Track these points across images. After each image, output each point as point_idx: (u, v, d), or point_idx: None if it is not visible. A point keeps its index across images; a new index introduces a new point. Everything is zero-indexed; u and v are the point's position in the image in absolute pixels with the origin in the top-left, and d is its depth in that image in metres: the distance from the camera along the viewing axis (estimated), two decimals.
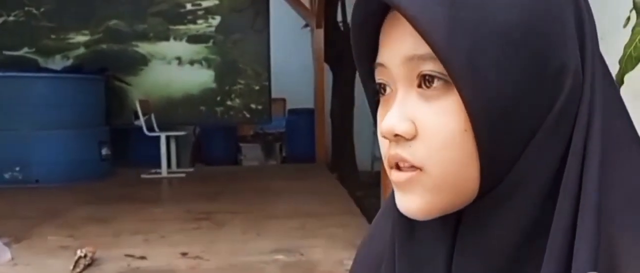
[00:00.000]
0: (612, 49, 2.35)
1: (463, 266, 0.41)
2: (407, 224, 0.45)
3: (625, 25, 1.09)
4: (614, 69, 1.02)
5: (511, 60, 0.37)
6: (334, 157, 6.99)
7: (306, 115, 7.21)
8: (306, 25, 7.15)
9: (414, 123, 0.39)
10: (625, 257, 0.37)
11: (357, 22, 0.43)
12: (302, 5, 6.82)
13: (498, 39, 0.37)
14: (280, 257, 2.85)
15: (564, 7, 0.39)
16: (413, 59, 0.39)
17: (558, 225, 0.37)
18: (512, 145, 0.38)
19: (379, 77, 0.43)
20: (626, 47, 0.96)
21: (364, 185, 6.31)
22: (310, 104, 7.10)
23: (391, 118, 0.40)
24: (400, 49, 0.40)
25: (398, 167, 0.41)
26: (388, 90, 0.42)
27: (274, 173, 6.25)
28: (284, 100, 8.08)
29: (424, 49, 0.38)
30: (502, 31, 0.37)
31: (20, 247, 3.08)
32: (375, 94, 0.44)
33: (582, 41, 0.40)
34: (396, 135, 0.40)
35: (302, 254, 2.88)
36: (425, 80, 0.39)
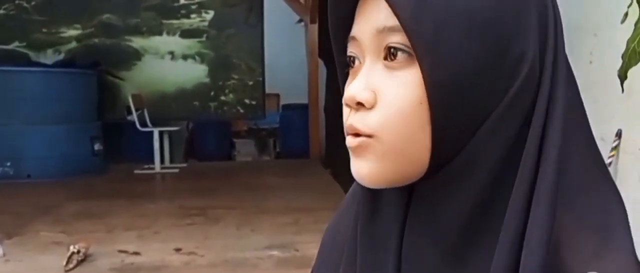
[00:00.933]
0: (607, 44, 2.34)
1: (413, 244, 0.43)
2: (369, 203, 0.47)
3: (623, 21, 1.09)
4: (615, 64, 1.02)
5: (472, 41, 0.39)
6: (327, 152, 6.99)
7: (300, 111, 7.19)
8: (300, 21, 7.13)
9: (375, 93, 0.41)
10: (569, 244, 0.39)
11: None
12: (296, 0, 6.79)
13: (461, 20, 0.39)
14: (274, 252, 2.85)
15: (528, 0, 0.42)
16: (383, 31, 0.41)
17: (513, 208, 0.38)
18: (464, 123, 0.40)
19: (350, 50, 0.45)
20: (629, 41, 0.96)
21: None
22: (304, 99, 7.08)
23: (354, 86, 0.42)
24: (373, 21, 0.42)
25: (354, 135, 0.43)
26: (357, 62, 0.44)
27: (268, 169, 6.24)
28: (277, 95, 8.06)
29: (394, 21, 0.40)
30: (466, 13, 0.39)
31: (12, 243, 3.06)
32: (346, 67, 0.46)
33: (544, 33, 0.41)
34: (358, 103, 0.42)
35: (296, 250, 2.88)
36: (390, 53, 0.41)
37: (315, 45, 6.58)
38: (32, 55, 6.67)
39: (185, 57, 7.00)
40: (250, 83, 7.14)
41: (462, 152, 0.41)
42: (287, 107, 7.72)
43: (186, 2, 6.97)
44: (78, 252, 2.65)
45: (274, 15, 7.22)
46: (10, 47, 6.67)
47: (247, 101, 7.18)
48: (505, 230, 0.39)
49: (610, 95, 2.14)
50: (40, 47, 6.71)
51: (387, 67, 0.42)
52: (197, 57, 7.03)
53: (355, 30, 0.44)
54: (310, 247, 2.91)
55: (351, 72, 0.45)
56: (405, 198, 0.44)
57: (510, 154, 0.40)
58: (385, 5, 0.40)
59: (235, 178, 5.39)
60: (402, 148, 0.41)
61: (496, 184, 0.40)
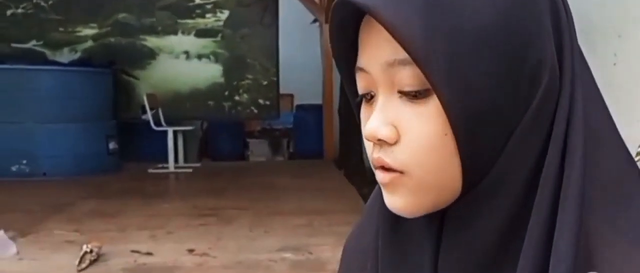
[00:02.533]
0: (632, 45, 2.27)
1: (449, 263, 0.42)
2: (392, 220, 0.46)
3: None
4: (637, 65, 0.97)
5: (488, 61, 0.38)
6: (341, 153, 6.94)
7: (314, 111, 7.16)
8: (315, 21, 7.09)
9: (395, 127, 0.40)
10: (601, 251, 0.37)
11: (335, 24, 0.43)
12: (311, 0, 6.76)
13: (474, 42, 0.37)
14: (288, 255, 2.81)
15: (539, 3, 0.40)
16: (394, 64, 0.40)
17: (537, 218, 0.38)
18: (492, 144, 0.39)
19: (360, 81, 0.43)
20: None
21: (372, 182, 6.25)
22: (318, 100, 7.05)
23: (373, 122, 0.41)
24: (380, 54, 0.40)
25: (382, 168, 0.42)
26: (370, 94, 0.43)
27: (281, 170, 6.22)
28: (291, 95, 8.04)
29: (403, 53, 0.38)
30: (477, 34, 0.37)
31: (26, 241, 3.06)
32: (357, 95, 0.45)
33: (559, 36, 0.40)
34: (379, 139, 0.40)
35: (310, 253, 2.84)
36: (406, 92, 0.40)
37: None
38: (49, 54, 6.73)
39: (199, 57, 7.01)
40: (265, 83, 7.13)
41: (492, 171, 0.40)
42: (301, 107, 7.70)
43: (201, 1, 6.98)
44: (91, 251, 2.65)
45: (289, 15, 7.20)
46: (28, 45, 6.74)
47: (261, 101, 7.17)
48: (529, 238, 0.38)
49: (635, 97, 2.08)
50: (57, 46, 6.77)
51: (403, 99, 0.40)
52: (211, 57, 7.04)
53: (363, 62, 0.42)
54: (324, 249, 2.87)
55: (364, 101, 0.44)
56: (438, 219, 0.43)
57: (539, 164, 0.39)
58: (390, 37, 0.38)
59: (249, 179, 5.38)
60: (434, 181, 0.40)
61: (527, 197, 0.39)
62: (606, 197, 0.39)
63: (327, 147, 6.74)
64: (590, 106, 0.40)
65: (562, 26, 0.40)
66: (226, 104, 7.11)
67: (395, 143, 0.40)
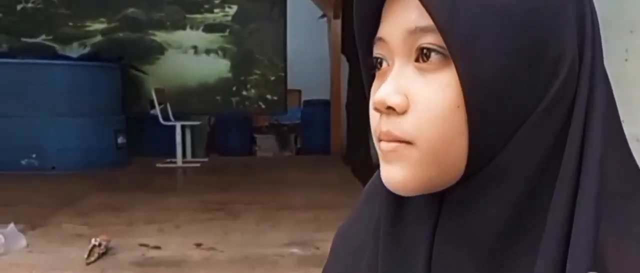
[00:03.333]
0: None
1: (444, 251, 0.41)
2: (394, 207, 0.45)
3: None
4: None
5: (510, 41, 0.37)
6: (349, 149, 6.94)
7: (322, 107, 7.16)
8: (323, 16, 7.08)
9: (406, 97, 0.39)
10: (613, 253, 0.37)
11: None
12: None
13: (498, 19, 0.37)
14: (295, 250, 2.82)
15: None
16: (415, 32, 0.39)
17: (555, 216, 0.37)
18: (502, 126, 0.39)
19: (377, 52, 0.43)
20: None
21: None
22: (326, 95, 7.04)
23: (385, 89, 0.40)
24: (403, 21, 0.40)
25: (386, 140, 0.41)
26: (384, 64, 0.43)
27: (289, 165, 6.23)
28: (299, 91, 8.04)
29: (427, 21, 0.38)
30: (503, 11, 0.37)
31: (35, 234, 3.09)
32: (372, 69, 0.44)
33: (582, 32, 0.40)
34: (388, 107, 0.40)
35: (317, 247, 2.84)
36: (423, 54, 0.39)
37: (338, 40, 6.53)
38: (59, 48, 6.77)
39: (208, 52, 7.03)
40: (272, 78, 7.13)
41: (498, 156, 0.39)
42: (308, 102, 7.70)
43: None
44: (99, 245, 2.66)
45: (297, 10, 7.19)
46: (38, 40, 6.78)
47: (268, 96, 7.18)
48: (546, 240, 0.37)
49: None
50: (66, 40, 6.81)
51: (418, 69, 0.40)
52: (219, 52, 7.05)
53: (383, 31, 0.42)
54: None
55: (378, 74, 0.43)
56: (436, 204, 0.42)
57: (549, 158, 0.39)
58: (416, 5, 0.39)
59: (256, 174, 5.38)
60: (438, 154, 0.39)
61: (534, 190, 0.39)
62: (619, 198, 0.39)
63: (334, 143, 6.74)
64: (607, 105, 0.40)
65: (586, 23, 0.40)
66: (234, 99, 7.12)
67: (404, 113, 0.39)
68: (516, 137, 0.39)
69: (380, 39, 0.42)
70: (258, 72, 7.12)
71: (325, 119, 6.93)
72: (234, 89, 7.11)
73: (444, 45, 0.38)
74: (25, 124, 5.32)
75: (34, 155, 5.34)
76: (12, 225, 2.92)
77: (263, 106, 7.23)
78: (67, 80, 5.56)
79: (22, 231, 2.96)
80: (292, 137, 7.87)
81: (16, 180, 4.75)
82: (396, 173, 0.41)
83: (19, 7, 6.75)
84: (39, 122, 5.36)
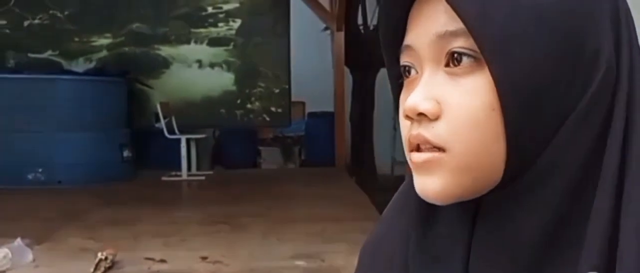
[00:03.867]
0: None
1: (482, 260, 0.40)
2: (425, 215, 0.44)
3: None
4: None
5: (544, 39, 0.36)
6: (353, 160, 6.94)
7: (326, 119, 7.17)
8: (326, 28, 7.12)
9: (438, 103, 0.38)
10: None
11: (388, 2, 0.43)
12: (323, 8, 6.79)
13: (532, 16, 0.36)
14: (301, 262, 2.81)
15: None
16: (444, 36, 0.38)
17: (598, 220, 0.36)
18: (540, 129, 0.37)
19: (405, 60, 0.42)
20: None
21: (384, 189, 6.23)
22: (330, 107, 7.06)
23: (415, 96, 0.39)
24: (431, 26, 0.39)
25: (419, 149, 0.40)
26: (413, 72, 0.42)
27: (293, 177, 6.23)
28: (303, 103, 8.06)
29: (456, 24, 0.37)
30: (535, 8, 0.36)
31: (41, 248, 3.10)
32: (399, 77, 0.43)
33: (617, 27, 0.39)
34: (419, 114, 0.39)
35: (323, 260, 2.84)
36: (453, 59, 0.38)
37: (342, 53, 6.56)
38: (65, 63, 6.83)
39: (212, 66, 7.07)
40: (276, 91, 7.16)
41: (537, 161, 0.37)
42: (312, 115, 7.71)
43: (214, 10, 7.04)
44: (106, 259, 2.67)
45: (301, 24, 7.24)
46: (44, 55, 6.85)
47: (273, 109, 7.20)
48: (589, 245, 0.36)
49: None
50: (72, 55, 6.87)
51: (449, 74, 0.39)
52: (224, 65, 7.09)
53: (411, 39, 0.41)
54: (337, 257, 2.87)
55: (406, 83, 0.42)
56: (471, 212, 0.41)
57: (590, 160, 0.37)
58: (444, 9, 0.38)
59: (261, 186, 5.39)
60: (475, 160, 0.38)
61: (575, 194, 0.37)
62: None
63: (338, 154, 6.74)
64: None
65: (621, 19, 0.39)
66: (238, 112, 7.15)
67: (436, 119, 0.38)
68: (555, 140, 0.37)
69: (408, 46, 0.41)
70: (262, 84, 7.15)
71: (330, 130, 6.93)
72: (239, 101, 7.14)
73: (476, 48, 0.37)
74: (31, 138, 5.35)
75: (40, 170, 5.36)
76: (18, 239, 2.93)
77: (267, 118, 7.25)
78: (73, 94, 5.60)
79: (29, 246, 2.97)
80: (297, 149, 7.87)
81: (22, 195, 4.77)
82: (431, 183, 0.39)
83: (26, 23, 6.83)
84: (45, 136, 5.39)
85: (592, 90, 0.37)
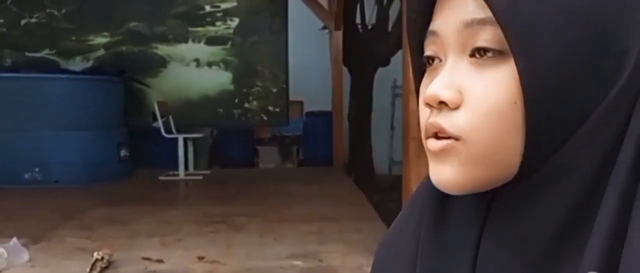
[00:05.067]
0: None
1: (491, 254, 0.39)
2: (439, 208, 0.44)
3: None
4: None
5: (572, 34, 0.36)
6: (351, 160, 6.94)
7: (324, 118, 7.16)
8: (324, 27, 7.11)
9: (460, 92, 0.38)
10: None
11: None
12: (321, 7, 6.78)
13: (561, 11, 0.36)
14: (298, 262, 2.81)
15: None
16: (472, 24, 0.38)
17: (605, 213, 0.35)
18: (561, 125, 0.37)
19: (429, 47, 0.41)
20: None
21: (382, 189, 6.23)
22: (327, 107, 7.05)
23: (437, 84, 0.39)
24: (459, 13, 0.39)
25: (436, 136, 0.39)
26: (436, 60, 0.41)
27: (291, 176, 6.22)
28: (301, 102, 8.05)
29: (484, 13, 0.37)
30: (566, 3, 0.36)
31: (38, 248, 3.08)
32: (422, 65, 0.43)
33: None
34: (440, 102, 0.38)
35: (320, 260, 2.83)
36: (479, 51, 0.38)
37: (340, 52, 6.55)
38: (62, 62, 6.81)
39: (210, 65, 7.05)
40: (274, 90, 7.15)
41: (554, 157, 0.37)
42: (310, 114, 7.71)
43: (211, 9, 7.03)
44: (102, 258, 2.66)
45: (298, 22, 7.23)
46: (41, 54, 6.82)
47: (270, 108, 7.19)
48: (592, 246, 0.35)
49: None
50: (69, 54, 6.85)
51: (474, 64, 0.38)
52: (221, 64, 7.08)
53: (437, 24, 0.41)
54: (335, 256, 2.86)
55: (429, 70, 0.42)
56: (485, 205, 0.40)
57: (607, 160, 0.37)
58: None
59: (258, 186, 5.38)
60: (491, 152, 0.38)
61: (589, 192, 0.37)
62: None
63: (336, 154, 6.73)
64: None
65: None
66: (236, 111, 7.14)
67: (456, 108, 0.38)
68: (575, 137, 0.37)
69: (434, 32, 0.41)
70: (260, 84, 7.14)
71: (328, 129, 6.93)
72: (236, 101, 7.13)
73: (502, 43, 0.36)
74: (28, 137, 5.34)
75: (37, 169, 5.34)
76: (14, 239, 2.91)
77: (265, 118, 7.24)
78: (70, 94, 5.58)
79: (25, 245, 2.96)
80: (295, 148, 7.87)
81: (19, 194, 4.75)
82: (445, 171, 0.39)
83: (23, 22, 6.80)
84: (41, 135, 5.37)
85: (617, 89, 0.36)
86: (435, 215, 0.44)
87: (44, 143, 5.37)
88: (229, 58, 7.08)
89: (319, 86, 7.29)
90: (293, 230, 3.47)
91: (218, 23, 7.05)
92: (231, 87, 7.10)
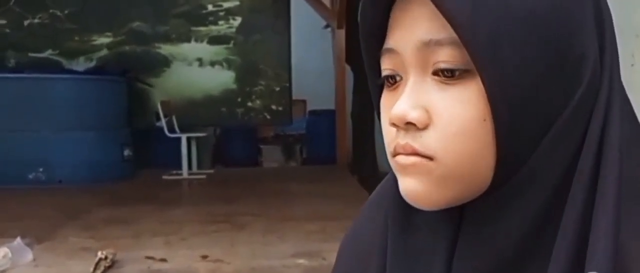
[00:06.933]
0: None
1: (465, 262, 0.40)
2: (403, 215, 0.43)
3: None
4: None
5: (533, 45, 0.36)
6: (354, 158, 6.92)
7: (327, 117, 7.16)
8: (327, 26, 7.10)
9: (427, 111, 0.38)
10: (635, 253, 0.36)
11: (367, 1, 0.41)
12: (323, 5, 6.77)
13: (521, 22, 0.36)
14: (301, 261, 2.80)
15: None
16: (429, 44, 0.37)
17: (569, 218, 0.36)
18: (529, 137, 0.37)
19: (387, 63, 0.41)
20: None
21: None
22: (331, 105, 7.04)
23: (403, 104, 0.38)
24: (414, 33, 0.38)
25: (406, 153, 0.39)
26: (397, 77, 0.40)
27: (294, 175, 6.21)
28: (304, 101, 8.05)
29: (441, 33, 0.36)
30: (524, 14, 0.36)
31: (42, 247, 3.09)
32: (379, 80, 0.42)
33: (601, 32, 0.39)
34: (407, 123, 0.38)
35: (324, 258, 2.82)
36: (443, 72, 0.38)
37: (343, 50, 6.54)
38: (65, 62, 6.82)
39: (212, 64, 7.05)
40: (277, 89, 7.14)
41: (525, 166, 0.37)
42: (313, 113, 7.70)
43: (214, 8, 7.03)
44: (106, 258, 2.66)
45: (301, 21, 7.22)
46: (44, 55, 6.84)
47: (273, 107, 7.18)
48: (559, 243, 0.36)
49: None
50: (72, 54, 6.85)
51: (438, 82, 0.38)
52: (224, 64, 7.08)
53: (393, 42, 0.40)
54: None
55: (388, 87, 0.41)
56: (455, 215, 0.41)
57: (574, 163, 0.37)
58: (428, 15, 0.37)
59: (262, 185, 5.37)
60: (462, 170, 0.37)
61: (559, 196, 0.37)
62: (638, 197, 0.37)
63: (340, 152, 6.72)
64: (625, 108, 0.39)
65: (605, 24, 0.39)
66: (239, 110, 7.14)
67: (425, 128, 0.37)
68: (543, 145, 0.37)
69: (391, 50, 0.40)
70: (263, 83, 7.14)
71: (331, 128, 6.92)
72: (239, 100, 7.13)
73: (463, 61, 0.36)
74: (32, 138, 5.35)
75: (40, 169, 5.35)
76: (18, 239, 2.92)
77: (268, 117, 7.23)
78: (74, 94, 5.59)
79: (29, 245, 2.96)
80: (298, 147, 7.86)
81: (23, 194, 4.76)
82: (416, 187, 0.38)
83: (26, 22, 6.82)
84: (45, 136, 5.38)
85: (578, 96, 0.37)
86: (401, 220, 0.43)
87: (47, 144, 5.37)
88: (232, 57, 7.07)
89: (322, 85, 7.28)
90: (297, 229, 3.47)
91: (221, 22, 7.04)
92: (234, 86, 7.10)
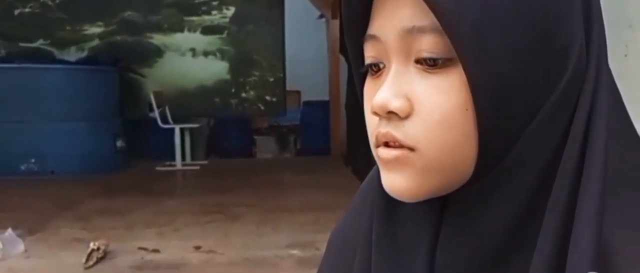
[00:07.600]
0: None
1: (449, 252, 0.40)
2: (387, 206, 0.43)
3: None
4: None
5: (517, 33, 0.35)
6: (349, 149, 6.92)
7: (321, 108, 7.14)
8: (321, 16, 7.07)
9: (409, 100, 0.37)
10: (617, 245, 0.35)
11: None
12: None
13: (505, 12, 0.35)
14: (295, 251, 2.80)
15: None
16: (412, 32, 0.37)
17: (553, 208, 0.35)
18: (512, 126, 0.37)
19: (370, 50, 0.40)
20: None
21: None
22: (325, 96, 7.02)
23: (384, 93, 0.37)
24: (397, 20, 0.37)
25: (387, 145, 0.38)
26: (380, 65, 0.40)
27: (288, 166, 6.21)
28: (298, 92, 8.02)
29: (424, 20, 0.36)
30: (509, 2, 0.35)
31: (33, 239, 3.07)
32: (363, 68, 0.41)
33: (588, 21, 0.38)
34: (389, 112, 0.37)
35: (317, 249, 2.82)
36: (426, 60, 0.37)
37: (337, 41, 6.51)
38: (56, 52, 6.75)
39: (206, 54, 7.01)
40: (271, 79, 7.11)
41: (508, 156, 0.37)
42: (308, 103, 7.68)
43: None
44: (98, 249, 2.65)
45: (295, 11, 7.18)
46: (35, 44, 6.77)
47: (267, 98, 7.16)
48: (543, 234, 0.35)
49: None
50: (64, 44, 6.79)
51: (420, 70, 0.37)
52: (218, 54, 7.03)
53: (376, 28, 0.39)
54: None
55: (371, 75, 0.41)
56: (438, 206, 0.40)
57: (558, 155, 0.37)
58: (412, 2, 0.36)
59: (256, 176, 5.37)
60: (446, 160, 0.37)
61: (542, 186, 0.37)
62: (624, 190, 0.37)
63: (334, 143, 6.72)
64: (612, 96, 0.38)
65: (592, 14, 0.38)
66: (233, 101, 7.11)
67: (407, 117, 0.37)
68: (524, 137, 0.37)
69: (373, 36, 0.39)
70: (257, 73, 7.10)
71: (325, 119, 6.91)
72: (233, 90, 7.10)
73: (446, 49, 0.36)
74: (24, 129, 5.30)
75: (33, 160, 5.32)
76: (10, 230, 2.90)
77: (262, 107, 7.21)
78: (65, 84, 5.54)
79: (20, 236, 2.94)
80: (292, 138, 7.85)
81: (15, 185, 4.73)
82: (399, 181, 0.38)
83: (16, 12, 6.74)
84: (37, 127, 5.34)
85: (562, 85, 0.36)
86: (385, 212, 0.43)
87: (39, 135, 5.34)
88: (225, 47, 7.03)
89: (317, 75, 7.25)
90: (290, 220, 3.47)
91: (214, 12, 6.99)
92: (228, 76, 7.06)
